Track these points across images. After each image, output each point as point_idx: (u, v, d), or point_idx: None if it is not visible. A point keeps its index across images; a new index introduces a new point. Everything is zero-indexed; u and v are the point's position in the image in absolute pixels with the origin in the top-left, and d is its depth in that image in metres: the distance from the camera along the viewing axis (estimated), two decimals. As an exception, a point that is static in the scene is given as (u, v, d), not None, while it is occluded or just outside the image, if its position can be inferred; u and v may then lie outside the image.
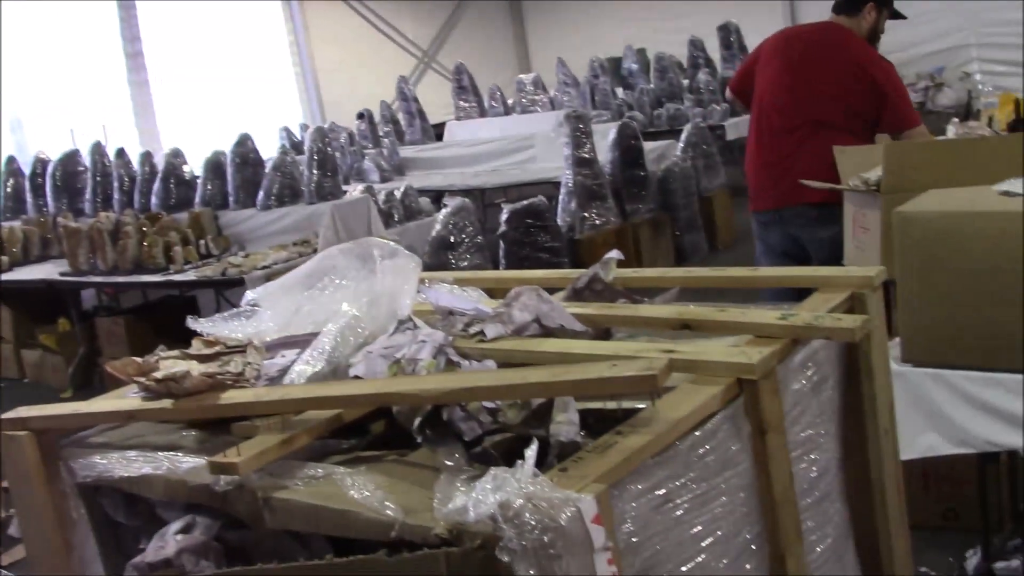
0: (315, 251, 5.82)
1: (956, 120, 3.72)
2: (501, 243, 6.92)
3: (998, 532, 3.14)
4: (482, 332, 1.80)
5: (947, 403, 2.41)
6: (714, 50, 11.81)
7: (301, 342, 1.89)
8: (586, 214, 7.54)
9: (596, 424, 1.51)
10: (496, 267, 6.85)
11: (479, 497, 1.17)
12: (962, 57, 11.76)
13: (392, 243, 2.01)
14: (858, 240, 3.41)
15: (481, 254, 6.56)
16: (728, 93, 4.79)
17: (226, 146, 7.20)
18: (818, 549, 1.68)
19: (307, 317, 1.99)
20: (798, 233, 4.06)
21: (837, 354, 1.78)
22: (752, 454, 1.49)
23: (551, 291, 2.00)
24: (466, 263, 6.37)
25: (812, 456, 1.68)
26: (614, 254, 2.00)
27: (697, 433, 1.40)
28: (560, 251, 7.01)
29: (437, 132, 11.87)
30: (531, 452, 1.23)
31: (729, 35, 11.48)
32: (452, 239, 6.44)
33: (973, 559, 3.04)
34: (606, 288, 1.97)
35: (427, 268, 6.22)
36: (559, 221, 7.40)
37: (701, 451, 1.39)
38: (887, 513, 1.82)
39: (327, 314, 1.92)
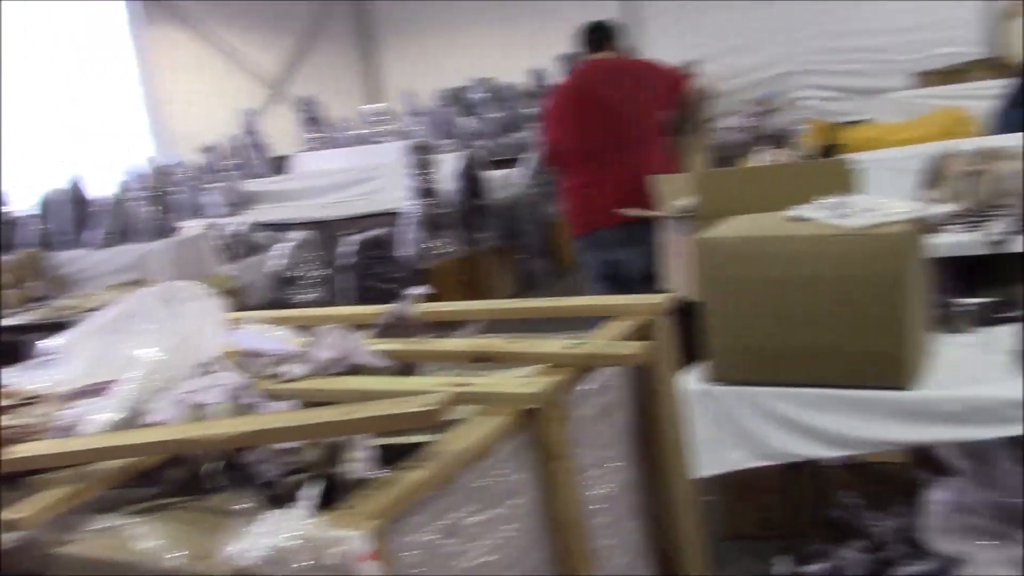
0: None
1: (757, 149, 3.94)
2: (345, 275, 6.89)
3: (806, 538, 3.31)
4: (288, 372, 1.82)
5: (749, 418, 2.55)
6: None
7: (102, 389, 1.87)
8: (430, 243, 7.59)
9: (398, 459, 1.55)
10: (341, 300, 6.81)
11: (253, 540, 1.19)
12: (792, 83, 12.34)
13: (196, 285, 2.01)
14: (677, 266, 3.57)
15: (324, 287, 6.52)
16: (548, 165, 4.96)
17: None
18: (613, 567, 1.76)
19: (111, 363, 1.97)
20: (609, 256, 4.28)
21: (629, 379, 1.86)
22: (539, 480, 1.56)
23: (361, 328, 2.03)
24: (306, 297, 6.32)
25: (605, 478, 1.75)
26: (418, 290, 2.05)
27: (481, 463, 1.45)
28: (405, 281, 7.03)
29: (283, 165, 11.72)
30: (309, 492, 1.26)
31: (569, 64, 11.75)
32: (292, 273, 6.39)
33: (779, 566, 3.19)
34: (412, 324, 2.02)
35: (267, 304, 6.18)
36: (404, 251, 7.42)
37: (485, 481, 1.45)
38: (679, 528, 1.91)
39: (130, 359, 1.91)
